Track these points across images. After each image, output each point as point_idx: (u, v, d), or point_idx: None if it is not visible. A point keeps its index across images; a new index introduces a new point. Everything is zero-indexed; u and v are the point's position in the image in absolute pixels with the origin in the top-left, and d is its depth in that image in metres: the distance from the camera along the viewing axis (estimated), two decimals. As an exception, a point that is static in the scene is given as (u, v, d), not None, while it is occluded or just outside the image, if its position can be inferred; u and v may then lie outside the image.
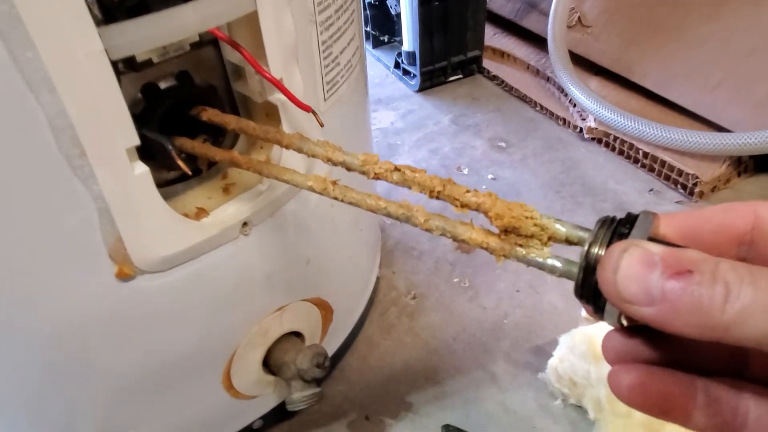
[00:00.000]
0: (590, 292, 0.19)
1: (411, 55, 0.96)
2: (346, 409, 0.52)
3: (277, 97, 0.35)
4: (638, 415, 0.44)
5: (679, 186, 0.73)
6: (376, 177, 0.26)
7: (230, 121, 0.33)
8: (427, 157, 0.84)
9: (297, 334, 0.46)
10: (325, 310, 0.48)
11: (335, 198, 0.27)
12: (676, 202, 0.72)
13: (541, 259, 0.21)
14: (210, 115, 0.34)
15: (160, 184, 0.36)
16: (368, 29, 1.10)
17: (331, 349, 0.53)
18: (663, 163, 0.74)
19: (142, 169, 0.29)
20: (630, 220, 0.19)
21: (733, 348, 0.19)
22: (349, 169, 0.28)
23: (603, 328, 0.50)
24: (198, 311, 0.37)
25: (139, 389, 0.38)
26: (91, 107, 0.26)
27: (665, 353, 0.20)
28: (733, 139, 0.67)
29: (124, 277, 0.32)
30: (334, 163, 0.28)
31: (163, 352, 0.37)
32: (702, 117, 0.76)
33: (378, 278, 0.63)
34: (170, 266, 0.34)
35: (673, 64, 0.80)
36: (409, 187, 0.25)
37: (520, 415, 0.51)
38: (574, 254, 0.20)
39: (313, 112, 0.34)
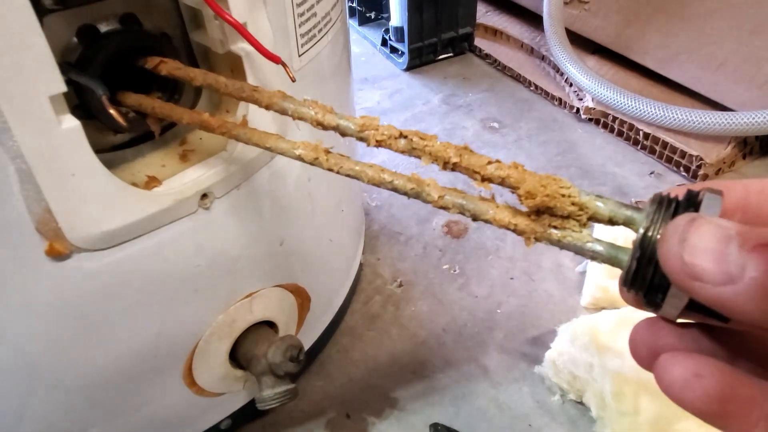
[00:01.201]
0: (645, 280, 0.16)
1: (399, 31, 0.91)
2: (325, 406, 0.47)
3: (242, 47, 0.30)
4: (646, 413, 0.39)
5: (681, 168, 0.69)
6: (378, 144, 0.22)
7: (196, 75, 0.28)
8: (416, 137, 0.79)
9: (269, 324, 0.41)
10: (302, 297, 0.43)
11: (330, 169, 0.23)
12: (678, 185, 0.68)
13: (580, 243, 0.18)
14: (170, 68, 0.29)
15: (105, 149, 0.31)
16: (353, 5, 1.04)
17: (308, 340, 0.48)
18: (665, 144, 0.70)
19: (71, 123, 0.24)
20: (692, 198, 0.16)
21: None
22: (343, 134, 0.23)
23: (607, 317, 0.46)
24: (151, 297, 0.32)
25: (87, 386, 0.33)
26: (1, 37, 0.21)
27: (722, 352, 0.17)
28: (738, 118, 0.64)
29: (56, 255, 0.27)
30: (326, 128, 0.24)
31: (111, 344, 0.32)
32: (705, 97, 0.72)
33: (361, 265, 0.59)
34: (114, 243, 0.29)
35: (675, 42, 0.76)
36: (419, 157, 0.22)
37: (515, 412, 0.46)
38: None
39: (283, 64, 0.29)
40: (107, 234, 0.28)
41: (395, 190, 0.22)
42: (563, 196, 0.18)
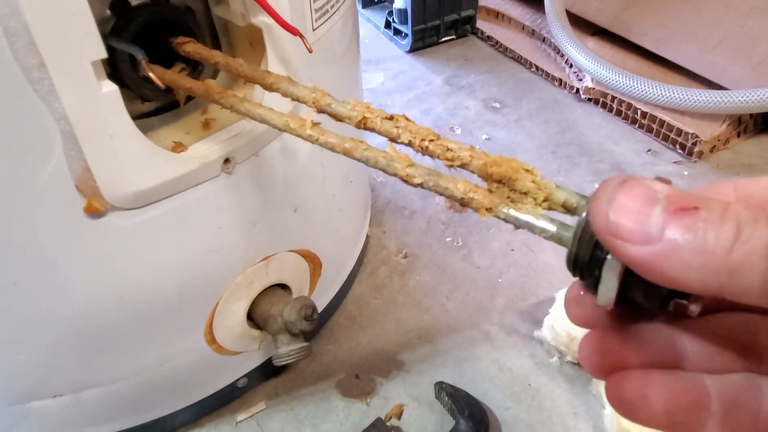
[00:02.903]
0: (586, 257, 0.16)
1: (403, 13, 0.92)
2: (335, 368, 0.50)
3: (262, 20, 0.32)
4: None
5: (677, 146, 0.71)
6: (363, 122, 0.23)
7: (216, 55, 0.30)
8: (419, 117, 0.81)
9: (283, 287, 0.43)
10: (314, 263, 0.46)
11: (309, 137, 0.25)
12: (674, 162, 0.70)
13: (532, 218, 0.18)
14: (194, 48, 0.31)
15: (134, 117, 0.33)
16: (358, -12, 1.05)
17: (319, 306, 0.51)
18: (662, 123, 0.72)
19: (110, 87, 0.26)
20: None
21: (746, 337, 0.17)
22: (336, 116, 0.25)
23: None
24: (176, 256, 0.35)
25: (114, 339, 0.36)
26: (48, 8, 0.23)
27: (667, 346, 0.17)
28: (733, 96, 0.66)
29: (93, 212, 0.29)
30: (321, 109, 0.25)
31: (139, 298, 0.35)
32: (702, 77, 0.74)
33: (368, 237, 0.61)
34: (145, 203, 0.31)
35: (673, 23, 0.78)
36: (398, 137, 0.22)
37: (515, 372, 0.49)
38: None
39: (301, 36, 0.31)
40: (139, 194, 0.30)
41: (367, 160, 0.23)
42: (526, 171, 0.19)
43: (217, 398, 0.45)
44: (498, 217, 0.19)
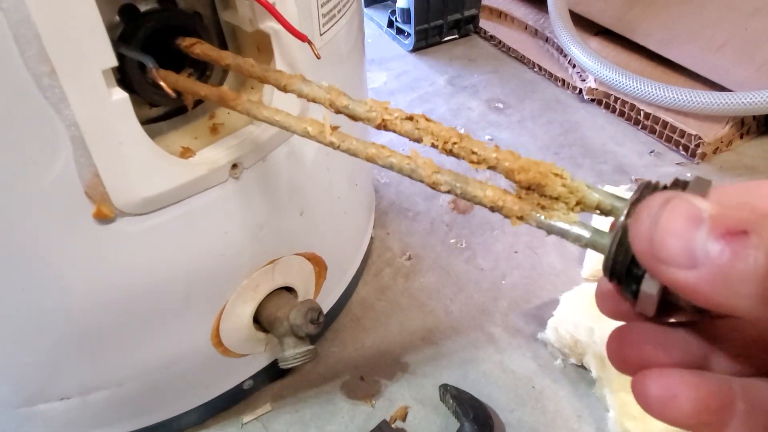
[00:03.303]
0: (624, 268, 0.16)
1: (406, 12, 0.92)
2: (340, 370, 0.50)
3: (270, 26, 0.32)
4: (642, 373, 0.42)
5: (680, 147, 0.71)
6: (383, 125, 0.23)
7: (226, 57, 0.30)
8: (422, 117, 0.81)
9: (289, 290, 0.44)
10: (319, 266, 0.46)
11: (331, 144, 0.24)
12: (677, 164, 0.70)
13: (565, 225, 0.18)
14: (203, 49, 0.31)
15: (142, 122, 0.33)
16: (360, -13, 1.05)
17: (324, 308, 0.50)
18: (665, 124, 0.72)
19: (120, 95, 0.26)
20: (679, 184, 0.16)
21: None
22: (354, 117, 0.24)
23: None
24: (184, 260, 0.35)
25: (122, 342, 0.36)
26: (59, 16, 0.23)
27: (697, 349, 0.17)
28: (737, 98, 0.66)
29: (102, 218, 0.29)
30: (338, 110, 0.25)
31: (146, 302, 0.35)
32: (705, 78, 0.74)
33: (372, 239, 0.61)
34: (153, 209, 0.31)
35: (676, 24, 0.78)
36: (420, 140, 0.22)
37: (519, 374, 0.49)
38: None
39: (309, 42, 0.31)
40: (148, 200, 0.30)
41: (391, 166, 0.22)
42: (555, 175, 0.18)
43: (222, 400, 0.46)
44: (530, 224, 0.19)
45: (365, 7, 1.07)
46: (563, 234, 0.18)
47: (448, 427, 0.45)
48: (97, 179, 0.28)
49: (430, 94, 0.86)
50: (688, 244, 0.13)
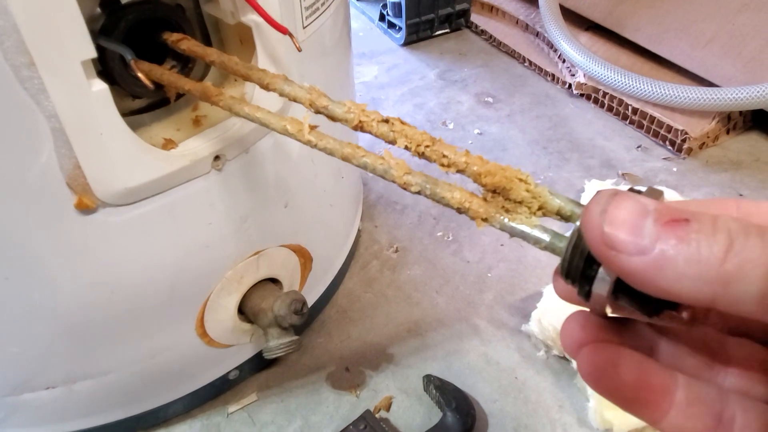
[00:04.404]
0: (578, 270, 0.16)
1: (397, 6, 0.92)
2: (326, 361, 0.51)
3: (251, 18, 0.32)
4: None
5: (667, 142, 0.71)
6: (360, 126, 0.24)
7: (211, 53, 0.30)
8: (412, 111, 0.81)
9: (274, 281, 0.44)
10: (304, 257, 0.46)
11: (308, 142, 0.25)
12: (663, 158, 0.71)
13: (526, 228, 0.19)
14: (190, 45, 0.31)
15: (124, 114, 0.33)
16: (352, -20, 1.05)
17: (310, 300, 0.51)
18: (652, 119, 0.72)
19: (100, 86, 0.27)
20: (632, 191, 0.17)
21: (716, 347, 0.17)
22: (332, 118, 0.25)
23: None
24: (167, 251, 0.35)
25: (106, 332, 0.36)
26: (38, 8, 0.23)
27: (645, 345, 0.18)
28: (723, 94, 0.66)
29: (84, 208, 0.30)
30: (317, 110, 0.25)
31: (130, 293, 0.35)
32: (693, 73, 0.75)
33: (359, 231, 0.62)
34: (136, 199, 0.32)
35: (665, 20, 0.78)
36: (394, 141, 0.23)
37: (503, 366, 0.50)
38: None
39: (290, 34, 0.31)
40: (130, 190, 0.31)
41: (364, 166, 0.23)
42: (520, 180, 0.19)
43: (208, 390, 0.46)
44: (494, 226, 0.20)
45: (357, 0, 1.07)
46: (524, 236, 0.19)
47: (432, 418, 0.46)
48: (78, 170, 0.28)
49: (421, 88, 0.86)
50: (635, 231, 0.14)
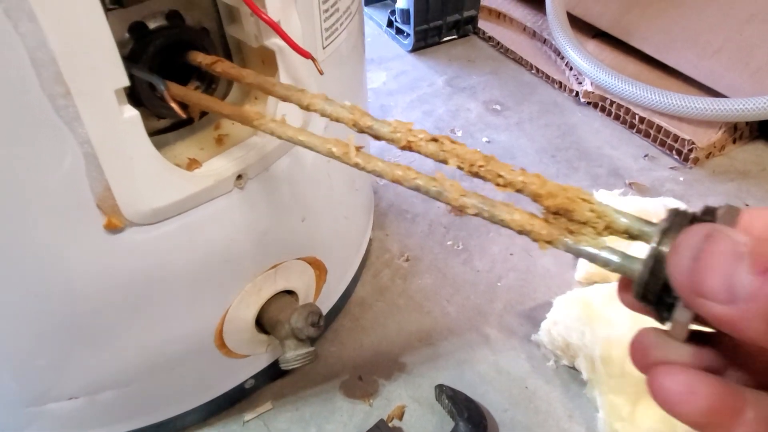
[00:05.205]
0: (656, 293, 0.16)
1: (405, 13, 0.93)
2: (339, 369, 0.52)
3: (275, 42, 0.33)
4: (631, 376, 0.44)
5: (674, 152, 0.72)
6: (408, 146, 0.23)
7: (247, 75, 0.30)
8: (421, 118, 0.82)
9: (290, 293, 0.45)
10: (319, 269, 0.47)
11: (356, 165, 0.24)
12: (670, 168, 0.71)
13: (594, 250, 0.18)
14: (224, 67, 0.31)
15: (150, 134, 0.34)
16: (360, -14, 1.06)
17: (324, 309, 0.52)
18: (659, 128, 0.73)
19: (131, 112, 0.27)
20: (710, 212, 0.16)
21: None
22: (378, 137, 0.24)
23: (598, 290, 0.50)
24: (190, 267, 0.36)
25: (128, 346, 0.37)
26: (75, 40, 0.24)
27: (715, 360, 0.18)
28: (731, 104, 0.67)
29: (113, 228, 0.31)
30: (361, 129, 0.25)
31: (152, 307, 0.36)
32: (700, 83, 0.75)
33: (371, 240, 0.62)
34: (161, 218, 0.32)
35: (673, 29, 0.79)
36: (445, 161, 0.22)
37: (513, 375, 0.51)
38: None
39: (313, 59, 0.32)
40: (156, 211, 0.32)
41: (417, 188, 0.22)
42: (583, 200, 0.19)
43: (225, 399, 0.47)
44: (558, 248, 0.19)
45: (365, 5, 1.07)
46: (592, 258, 0.18)
47: (444, 427, 0.47)
48: (108, 192, 0.29)
49: (429, 95, 0.87)
50: (728, 279, 0.14)
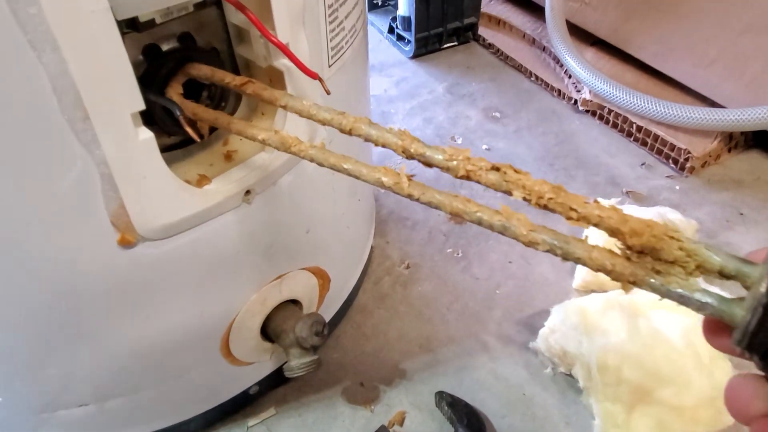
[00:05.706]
0: (764, 345, 0.15)
1: (406, 20, 0.94)
2: (341, 375, 0.53)
3: (283, 63, 0.34)
4: (626, 384, 0.45)
5: (670, 161, 0.73)
6: (467, 176, 0.21)
7: (281, 97, 0.30)
8: (422, 125, 0.83)
9: (294, 302, 0.46)
10: (323, 278, 0.48)
11: (409, 196, 0.23)
12: (666, 176, 0.73)
13: (686, 292, 0.17)
14: (256, 89, 0.31)
15: (161, 150, 0.35)
16: (362, -8, 1.07)
17: (326, 317, 0.53)
18: (656, 137, 0.74)
19: (146, 134, 0.29)
20: None
21: None
22: (430, 165, 0.23)
23: (595, 299, 0.51)
24: (198, 279, 0.37)
25: (137, 355, 0.38)
26: (95, 68, 0.25)
27: None
28: (727, 115, 0.68)
29: (126, 244, 0.32)
30: (410, 156, 0.23)
31: (162, 318, 0.37)
32: (696, 92, 0.76)
33: (372, 248, 0.63)
34: (172, 234, 0.33)
35: (670, 39, 0.80)
36: (510, 192, 0.21)
37: (511, 382, 0.52)
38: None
39: (321, 80, 0.33)
40: (168, 226, 0.33)
41: (480, 222, 0.21)
42: (671, 238, 0.17)
43: (230, 405, 0.48)
44: (644, 289, 0.18)
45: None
46: (683, 301, 0.17)
47: (444, 432, 0.48)
48: (122, 210, 0.30)
49: (429, 102, 0.88)
50: None
